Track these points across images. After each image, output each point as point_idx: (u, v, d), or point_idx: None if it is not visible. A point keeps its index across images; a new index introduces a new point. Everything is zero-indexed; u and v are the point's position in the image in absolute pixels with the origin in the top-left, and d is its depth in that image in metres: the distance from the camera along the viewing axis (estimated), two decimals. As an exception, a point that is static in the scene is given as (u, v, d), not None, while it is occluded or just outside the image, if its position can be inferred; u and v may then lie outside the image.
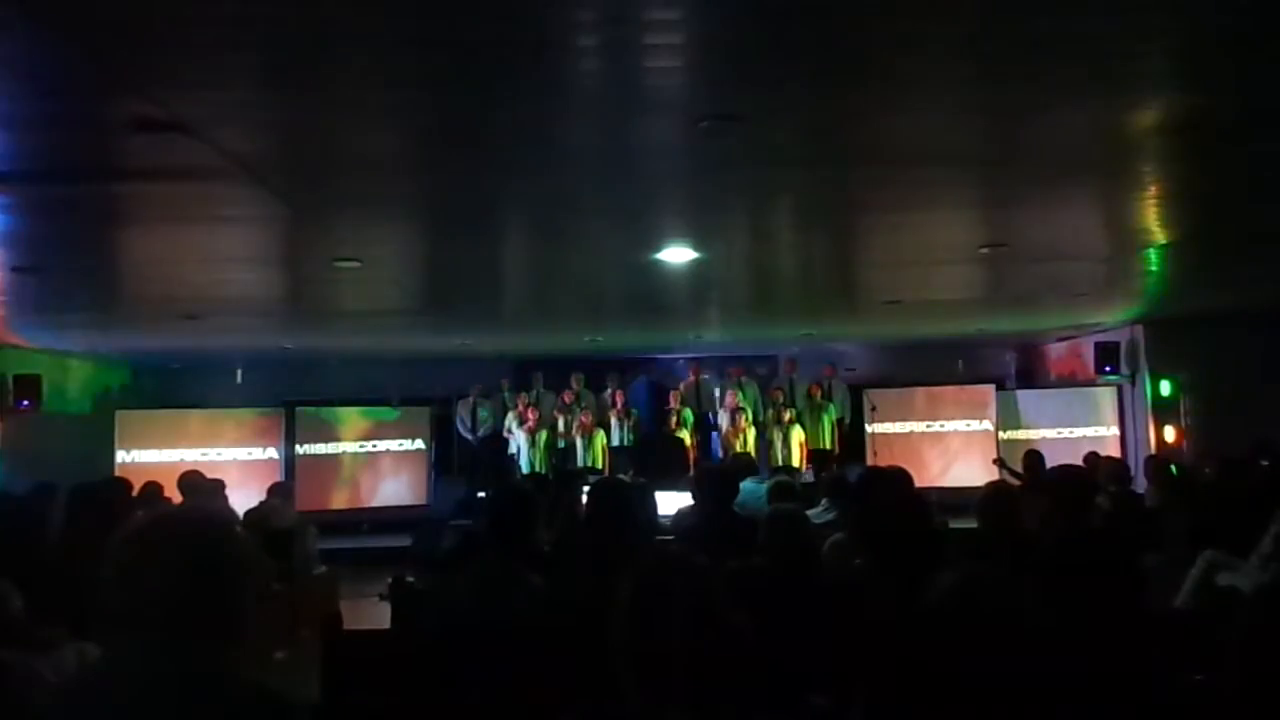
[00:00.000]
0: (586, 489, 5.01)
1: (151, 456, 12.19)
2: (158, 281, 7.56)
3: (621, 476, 8.61)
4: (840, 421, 13.31)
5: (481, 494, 10.29)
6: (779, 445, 12.81)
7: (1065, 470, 4.21)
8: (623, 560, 1.99)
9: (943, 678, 1.89)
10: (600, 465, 12.57)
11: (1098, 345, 12.05)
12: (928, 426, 13.35)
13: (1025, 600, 1.94)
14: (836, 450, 12.96)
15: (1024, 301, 9.71)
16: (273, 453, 12.95)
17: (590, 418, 12.93)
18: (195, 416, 13.03)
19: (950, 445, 13.27)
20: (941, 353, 13.98)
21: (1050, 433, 12.66)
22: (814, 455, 12.76)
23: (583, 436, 12.81)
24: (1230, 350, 10.76)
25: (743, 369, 13.53)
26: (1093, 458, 8.64)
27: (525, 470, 12.63)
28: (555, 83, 3.54)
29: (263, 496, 8.58)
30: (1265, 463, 8.10)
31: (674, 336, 12.05)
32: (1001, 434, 12.89)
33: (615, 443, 12.97)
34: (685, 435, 12.82)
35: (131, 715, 1.71)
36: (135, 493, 6.42)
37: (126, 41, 3.11)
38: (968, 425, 13.19)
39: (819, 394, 13.26)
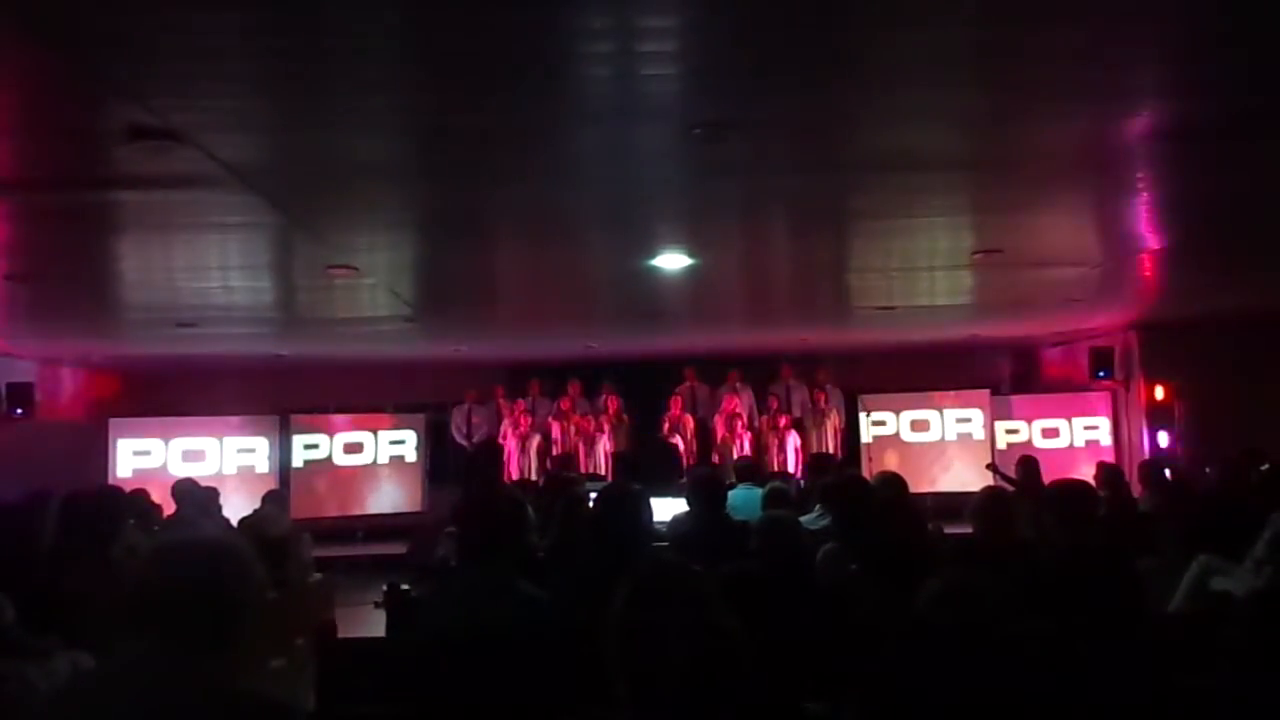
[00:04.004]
0: (593, 494, 5.00)
1: (145, 463, 12.16)
2: (152, 289, 7.56)
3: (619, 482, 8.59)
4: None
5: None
6: (775, 451, 12.80)
7: (1067, 484, 4.15)
8: (628, 567, 2.00)
9: (932, 683, 1.89)
10: (603, 471, 12.55)
11: (1092, 350, 12.07)
12: (922, 432, 13.31)
13: (1011, 606, 1.95)
14: (839, 456, 12.95)
15: (1018, 307, 9.72)
16: (265, 464, 12.89)
17: (591, 423, 12.93)
18: (188, 424, 12.99)
19: (945, 450, 13.27)
20: (936, 358, 13.99)
21: (1044, 437, 12.65)
22: (813, 461, 12.73)
23: (586, 442, 12.80)
24: (1224, 355, 10.79)
25: (739, 374, 13.53)
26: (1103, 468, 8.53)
27: (516, 476, 12.61)
28: (550, 90, 3.55)
29: (256, 504, 8.55)
30: (1265, 466, 8.10)
31: (670, 342, 12.06)
32: (995, 439, 12.90)
33: (609, 448, 12.95)
34: (680, 441, 12.82)
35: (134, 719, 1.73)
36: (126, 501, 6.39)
37: (121, 50, 3.11)
38: (962, 430, 13.16)
39: (824, 399, 13.27)
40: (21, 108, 3.68)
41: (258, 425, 13.13)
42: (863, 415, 13.18)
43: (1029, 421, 12.97)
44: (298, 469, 12.95)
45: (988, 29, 3.14)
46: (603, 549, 3.90)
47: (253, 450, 12.92)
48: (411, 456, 13.69)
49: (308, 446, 13.12)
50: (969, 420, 13.06)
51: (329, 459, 13.26)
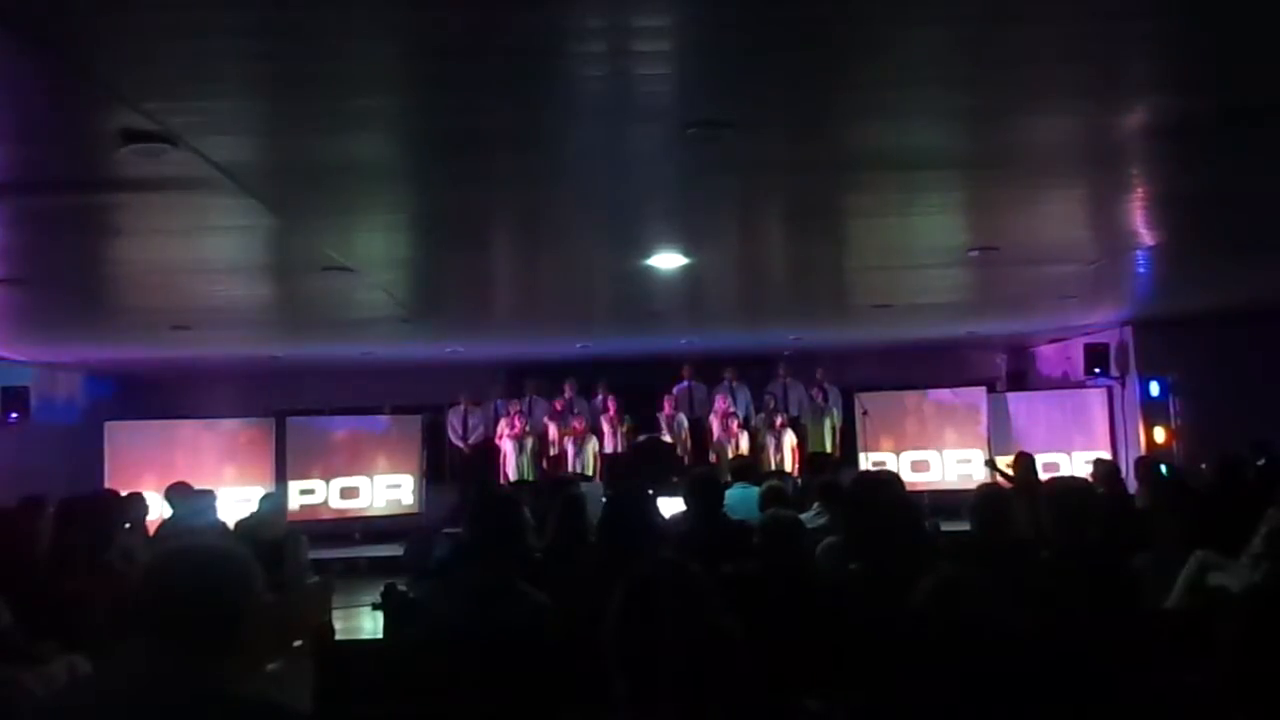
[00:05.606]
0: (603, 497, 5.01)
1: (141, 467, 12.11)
2: (147, 292, 7.54)
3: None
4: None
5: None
6: (771, 449, 12.81)
7: (1065, 482, 4.12)
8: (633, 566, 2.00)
9: (926, 680, 1.90)
10: (591, 472, 12.54)
11: (1087, 347, 12.09)
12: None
13: (1003, 604, 1.95)
14: (838, 454, 12.95)
15: (1013, 304, 9.74)
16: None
17: (584, 423, 12.92)
18: (185, 427, 12.96)
19: (942, 447, 13.27)
20: (933, 355, 14.01)
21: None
22: (812, 459, 12.75)
23: (575, 442, 12.80)
24: (1219, 350, 10.81)
25: (735, 373, 13.54)
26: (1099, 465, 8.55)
27: (513, 478, 12.61)
28: (545, 90, 3.55)
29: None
30: (1261, 461, 8.13)
31: (665, 341, 12.06)
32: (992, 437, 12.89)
33: (609, 449, 12.96)
34: (670, 439, 12.83)
35: None
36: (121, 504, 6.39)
37: (114, 53, 3.10)
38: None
39: (822, 398, 13.27)
40: (15, 111, 3.67)
41: (254, 429, 13.08)
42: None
43: (1025, 419, 12.93)
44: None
45: (982, 26, 3.14)
46: (613, 548, 3.91)
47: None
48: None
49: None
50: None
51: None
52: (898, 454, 13.15)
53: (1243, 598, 4.13)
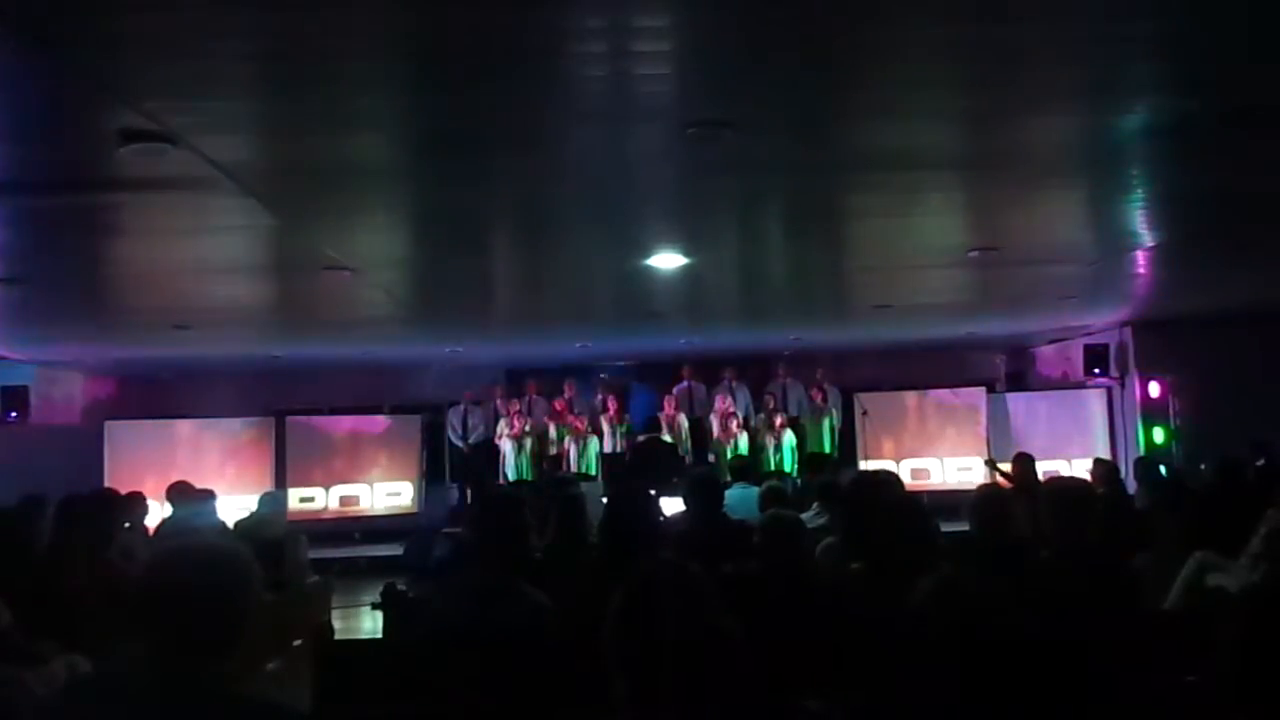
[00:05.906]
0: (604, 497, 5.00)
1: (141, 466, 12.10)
2: (147, 292, 7.54)
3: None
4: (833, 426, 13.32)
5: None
6: (771, 450, 12.81)
7: (1065, 483, 4.11)
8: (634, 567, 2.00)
9: (926, 680, 1.90)
10: (595, 472, 12.54)
11: (1086, 348, 12.08)
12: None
13: (1003, 604, 1.95)
14: (836, 455, 12.94)
15: (1013, 304, 9.74)
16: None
17: (585, 423, 12.92)
18: (185, 427, 12.96)
19: (941, 447, 13.26)
20: (933, 356, 14.01)
21: (1040, 435, 12.57)
22: (811, 459, 12.74)
23: (577, 442, 12.80)
24: (1218, 351, 10.81)
25: (735, 373, 13.54)
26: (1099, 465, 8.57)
27: (512, 477, 12.61)
28: (544, 90, 3.55)
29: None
30: (1260, 462, 8.15)
31: (665, 341, 12.07)
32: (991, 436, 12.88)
33: (608, 449, 12.96)
34: (670, 439, 12.83)
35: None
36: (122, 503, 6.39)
37: (114, 54, 3.11)
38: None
39: (821, 398, 13.27)
40: (15, 111, 3.67)
41: (254, 429, 13.07)
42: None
43: (1024, 419, 12.92)
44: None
45: (982, 27, 3.14)
46: (613, 549, 3.91)
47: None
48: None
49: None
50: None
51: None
52: (897, 461, 13.06)
53: (1241, 598, 4.13)
